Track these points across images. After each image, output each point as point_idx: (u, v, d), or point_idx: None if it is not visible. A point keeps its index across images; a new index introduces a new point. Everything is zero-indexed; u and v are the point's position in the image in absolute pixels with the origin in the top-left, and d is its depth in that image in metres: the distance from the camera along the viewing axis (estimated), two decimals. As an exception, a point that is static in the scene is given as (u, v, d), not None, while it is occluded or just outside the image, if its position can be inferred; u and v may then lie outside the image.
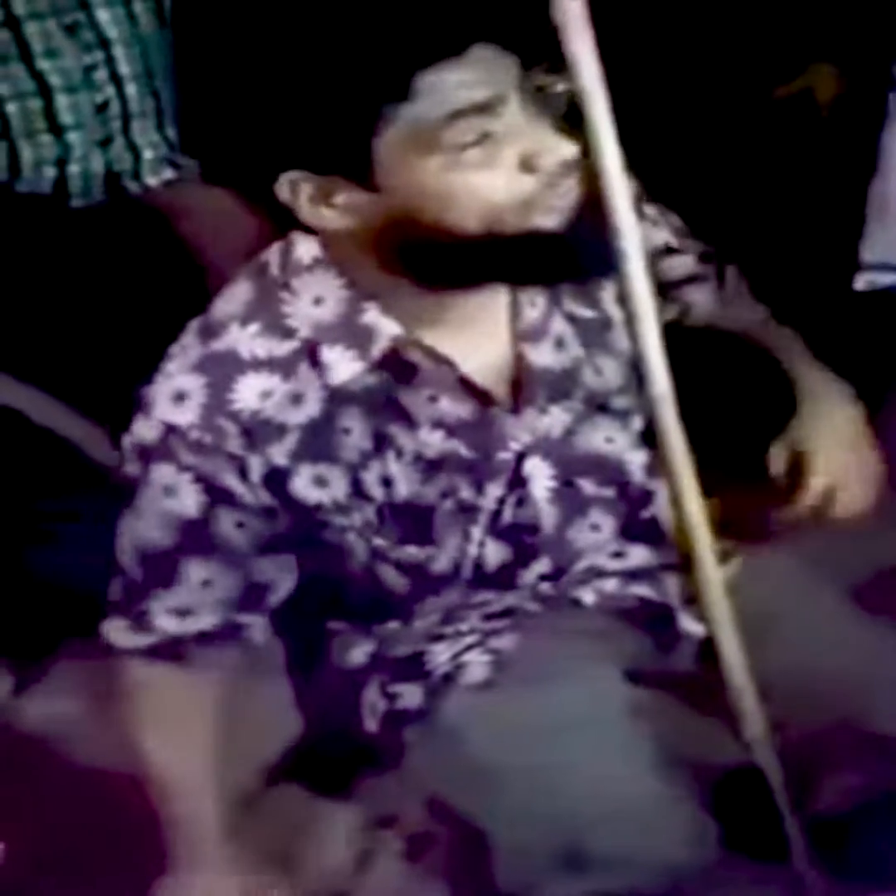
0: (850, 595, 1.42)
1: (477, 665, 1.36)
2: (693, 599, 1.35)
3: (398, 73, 1.09)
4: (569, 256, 1.17)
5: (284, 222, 1.21)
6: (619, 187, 1.15)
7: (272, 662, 1.48)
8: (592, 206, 1.15)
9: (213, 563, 1.26)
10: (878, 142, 2.19)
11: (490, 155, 1.12)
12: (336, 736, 1.44)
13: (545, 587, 1.38)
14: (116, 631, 1.32)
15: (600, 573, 1.41)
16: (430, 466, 1.26)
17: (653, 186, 1.39)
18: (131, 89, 2.15)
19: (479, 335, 1.26)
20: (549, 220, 1.15)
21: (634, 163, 1.35)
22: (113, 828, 1.63)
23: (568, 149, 1.14)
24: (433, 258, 1.16)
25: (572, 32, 1.11)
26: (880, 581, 1.44)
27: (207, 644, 1.30)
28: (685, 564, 1.32)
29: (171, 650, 1.30)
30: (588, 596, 1.40)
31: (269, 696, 1.54)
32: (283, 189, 1.16)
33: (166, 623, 1.29)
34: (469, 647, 1.37)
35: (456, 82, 1.10)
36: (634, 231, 1.17)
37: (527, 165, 1.13)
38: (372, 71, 1.10)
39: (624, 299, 1.20)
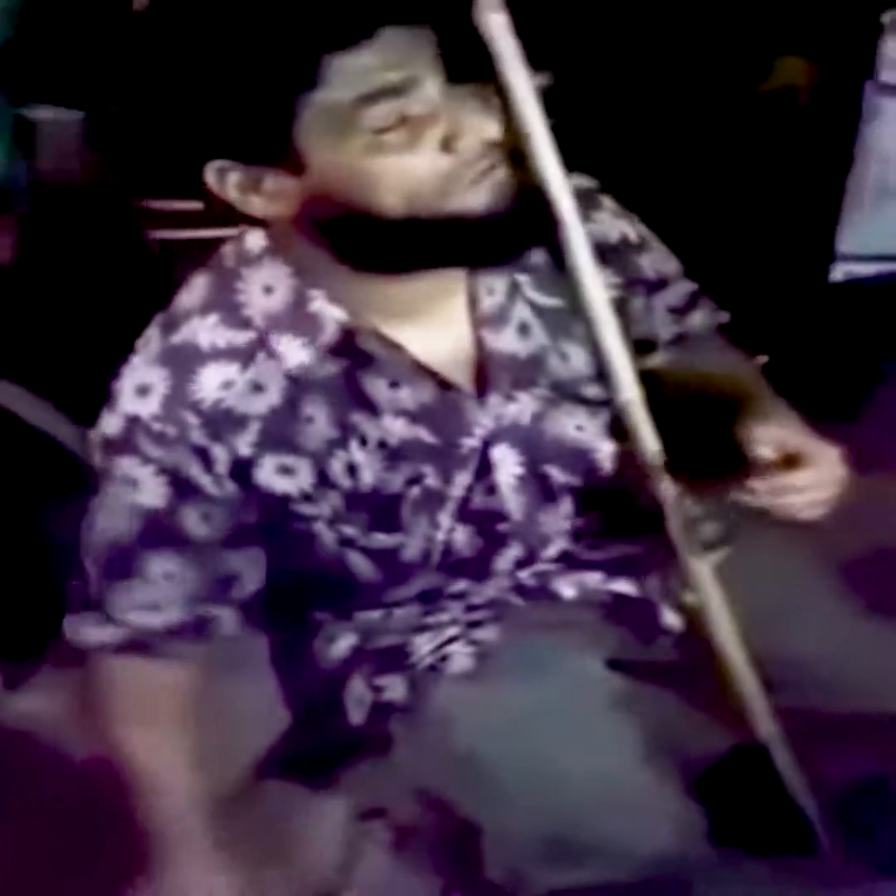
0: (844, 579, 1.43)
1: (460, 656, 1.36)
2: (682, 588, 1.38)
3: (308, 60, 1.09)
4: (502, 239, 1.18)
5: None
6: (552, 173, 1.17)
7: (256, 656, 1.48)
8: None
9: (175, 557, 1.26)
10: (854, 133, 2.20)
11: (410, 137, 1.12)
12: (322, 729, 1.45)
13: (525, 576, 1.39)
14: (80, 626, 1.32)
15: (582, 565, 1.41)
16: (395, 454, 1.27)
17: (629, 183, 1.38)
18: None
19: (434, 322, 1.26)
20: (475, 201, 1.15)
21: (608, 159, 1.36)
22: (101, 824, 1.63)
23: (490, 128, 1.14)
24: (362, 242, 1.17)
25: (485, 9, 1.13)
26: (874, 565, 1.44)
27: (175, 638, 1.30)
28: (672, 556, 1.34)
29: (141, 644, 1.30)
30: (569, 590, 1.41)
31: (254, 691, 1.54)
32: (211, 178, 1.16)
33: (131, 617, 1.29)
34: (452, 639, 1.38)
35: (368, 65, 1.09)
36: (574, 218, 1.19)
37: (447, 146, 1.13)
38: (281, 59, 1.10)
39: (580, 303, 1.22)
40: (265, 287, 1.23)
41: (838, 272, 2.30)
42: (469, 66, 1.15)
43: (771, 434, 1.24)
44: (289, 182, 1.15)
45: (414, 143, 1.12)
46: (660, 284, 1.41)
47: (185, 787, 1.35)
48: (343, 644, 1.40)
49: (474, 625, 1.38)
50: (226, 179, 1.16)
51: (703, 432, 1.29)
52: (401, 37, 1.11)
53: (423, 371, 1.25)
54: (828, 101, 2.31)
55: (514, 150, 1.16)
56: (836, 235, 2.31)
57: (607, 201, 1.36)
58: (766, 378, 1.46)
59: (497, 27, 1.15)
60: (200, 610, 1.29)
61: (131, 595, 1.28)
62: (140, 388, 1.23)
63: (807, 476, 1.23)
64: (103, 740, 1.37)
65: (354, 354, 1.23)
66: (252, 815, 1.52)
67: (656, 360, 1.39)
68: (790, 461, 1.23)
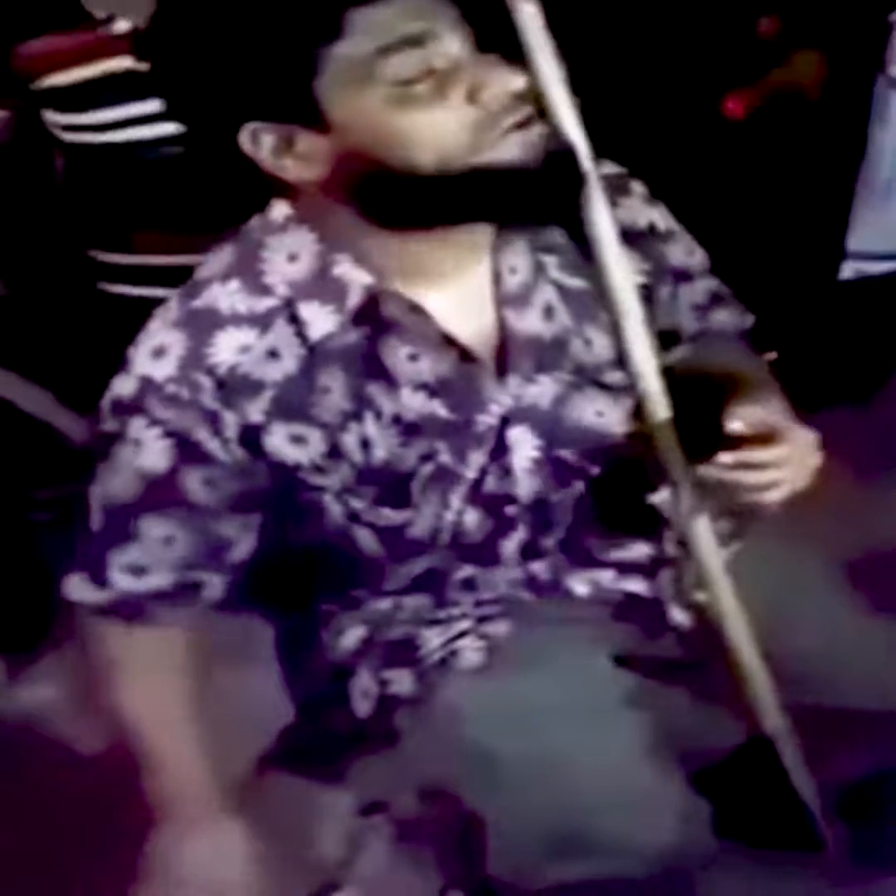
0: (846, 576, 1.43)
1: (470, 651, 1.36)
2: (696, 587, 1.38)
3: (328, 12, 1.10)
4: (532, 195, 1.18)
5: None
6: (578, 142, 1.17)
7: (260, 648, 1.48)
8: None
9: (175, 520, 1.26)
10: (865, 129, 2.19)
11: (436, 90, 1.12)
12: (326, 721, 1.44)
13: (538, 571, 1.38)
14: (74, 584, 1.32)
15: (596, 563, 1.41)
16: (410, 429, 1.26)
17: (639, 179, 1.38)
18: None
19: (459, 293, 1.25)
20: (506, 153, 1.15)
21: (616, 156, 1.36)
22: (107, 812, 1.64)
23: (516, 80, 1.14)
24: (392, 200, 1.16)
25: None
26: (874, 563, 1.44)
27: (163, 602, 1.30)
28: (684, 552, 1.34)
29: (128, 608, 1.30)
30: (582, 587, 1.41)
31: (259, 682, 1.54)
32: (244, 141, 1.16)
33: (120, 579, 1.29)
34: (462, 633, 1.37)
35: (386, 17, 1.10)
36: (599, 191, 1.18)
37: (473, 98, 1.13)
38: (302, 11, 1.10)
39: (604, 284, 1.21)
40: (290, 255, 1.23)
41: (848, 270, 2.29)
42: (492, 37, 1.16)
43: (749, 412, 1.23)
44: (319, 142, 1.15)
45: (440, 95, 1.13)
46: (685, 277, 1.41)
47: (188, 759, 1.35)
48: (352, 636, 1.40)
49: (484, 619, 1.38)
50: (260, 142, 1.16)
51: (690, 416, 1.28)
52: None
53: (446, 340, 1.25)
54: (838, 97, 2.30)
55: (543, 112, 1.17)
56: (846, 233, 2.30)
57: (638, 187, 1.36)
58: (776, 373, 1.46)
59: (527, 13, 1.16)
60: (190, 575, 1.29)
61: (124, 557, 1.28)
62: (156, 351, 1.22)
63: (775, 453, 1.23)
64: (111, 725, 1.37)
65: (377, 321, 1.23)
66: (255, 807, 1.51)
67: (678, 353, 1.38)
68: (763, 439, 1.22)
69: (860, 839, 1.44)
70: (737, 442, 1.22)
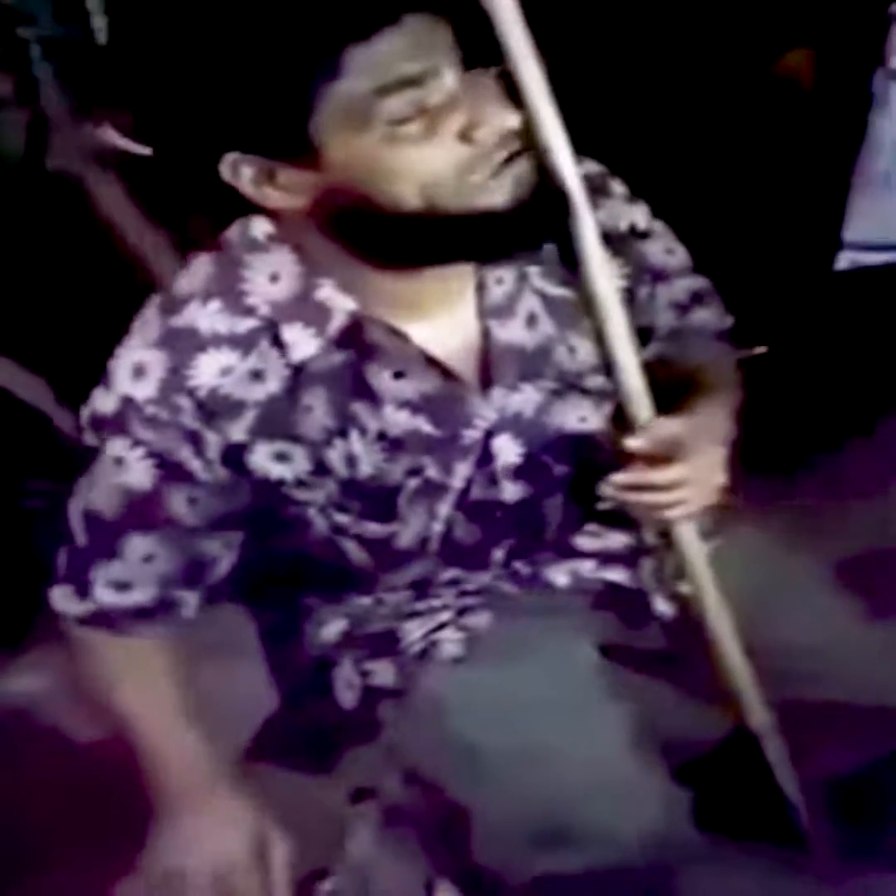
0: (836, 572, 1.43)
1: (450, 642, 1.37)
2: (676, 578, 1.38)
3: (326, 50, 1.07)
4: (520, 234, 1.16)
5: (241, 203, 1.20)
6: (562, 160, 1.14)
7: (244, 640, 1.49)
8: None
9: (157, 539, 1.27)
10: (863, 121, 2.19)
11: (428, 128, 1.10)
12: (310, 712, 1.45)
13: (519, 565, 1.39)
14: (60, 596, 1.33)
15: (576, 554, 1.41)
16: (395, 445, 1.26)
17: (633, 171, 1.37)
18: None
19: (442, 313, 1.25)
20: (496, 198, 1.13)
21: (612, 148, 1.35)
22: (99, 801, 1.64)
23: (510, 119, 1.12)
24: (378, 237, 1.15)
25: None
26: (862, 562, 1.44)
27: (139, 618, 1.31)
28: (666, 545, 1.34)
29: (106, 622, 1.31)
30: (562, 578, 1.41)
31: (244, 674, 1.54)
32: (225, 171, 1.15)
33: (104, 595, 1.30)
34: (442, 625, 1.38)
35: (386, 56, 1.08)
36: (586, 210, 1.16)
37: (465, 137, 1.11)
38: (299, 50, 1.08)
39: (583, 285, 1.20)
40: (271, 275, 1.22)
41: (844, 260, 2.28)
42: (485, 52, 1.13)
43: (656, 427, 1.22)
44: (304, 175, 1.13)
45: (432, 133, 1.10)
46: (664, 276, 1.40)
47: (184, 744, 1.35)
48: (332, 629, 1.41)
49: (465, 611, 1.39)
50: (240, 173, 1.14)
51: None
52: (419, 26, 1.09)
53: (429, 362, 1.24)
54: (836, 88, 2.30)
55: (531, 142, 1.14)
56: (843, 223, 2.30)
57: (618, 187, 1.35)
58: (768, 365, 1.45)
59: (504, 9, 1.13)
60: (169, 593, 1.30)
61: (108, 573, 1.29)
62: (136, 370, 1.22)
63: (670, 474, 1.21)
64: (102, 716, 1.38)
65: (360, 345, 1.22)
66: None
67: (647, 352, 1.37)
68: (662, 458, 1.21)
69: (845, 834, 1.44)
70: (634, 459, 1.21)
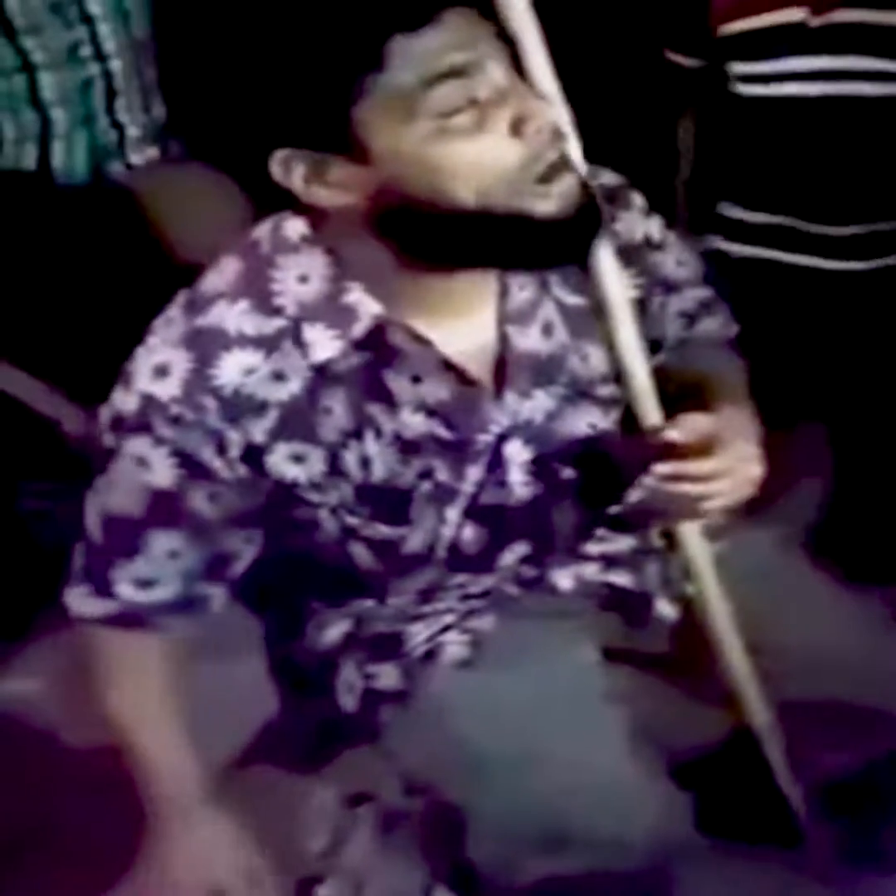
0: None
1: (455, 645, 1.37)
2: (682, 580, 1.38)
3: (369, 42, 1.08)
4: (565, 244, 1.17)
5: (273, 202, 1.20)
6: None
7: (245, 640, 1.48)
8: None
9: (180, 535, 1.26)
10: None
11: (478, 120, 1.10)
12: (311, 713, 1.45)
13: (525, 569, 1.38)
14: (77, 597, 1.32)
15: (580, 557, 1.41)
16: (408, 447, 1.26)
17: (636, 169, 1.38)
18: (116, 66, 2.14)
19: (463, 318, 1.25)
20: (546, 207, 1.13)
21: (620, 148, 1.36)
22: (93, 801, 1.64)
23: (553, 114, 1.14)
24: (426, 235, 1.15)
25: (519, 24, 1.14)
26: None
27: (167, 614, 1.30)
28: (672, 547, 1.34)
29: (132, 619, 1.30)
30: (566, 581, 1.41)
31: (246, 675, 1.54)
32: (276, 168, 1.15)
33: (127, 592, 1.29)
34: (446, 628, 1.38)
35: (430, 48, 1.08)
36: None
37: (516, 129, 1.11)
38: (342, 41, 1.08)
39: (597, 292, 1.21)
40: (300, 276, 1.21)
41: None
42: None
43: (693, 421, 1.24)
44: (354, 171, 1.12)
45: (482, 125, 1.10)
46: (675, 287, 1.41)
47: (176, 757, 1.35)
48: (335, 630, 1.40)
49: (469, 614, 1.39)
50: (291, 169, 1.14)
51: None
52: (464, 19, 1.10)
53: (447, 367, 1.24)
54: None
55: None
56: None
57: (637, 199, 1.35)
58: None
59: (517, 9, 1.16)
60: (194, 588, 1.29)
61: (131, 571, 1.28)
62: (159, 369, 1.21)
63: (710, 465, 1.23)
64: (97, 717, 1.36)
65: (382, 348, 1.22)
66: (240, 798, 1.52)
67: (657, 360, 1.38)
68: (700, 450, 1.23)
69: (844, 836, 1.44)
70: (674, 451, 1.23)
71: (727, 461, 1.24)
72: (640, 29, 2.24)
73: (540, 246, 1.16)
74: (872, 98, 1.95)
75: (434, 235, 1.14)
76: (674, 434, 1.23)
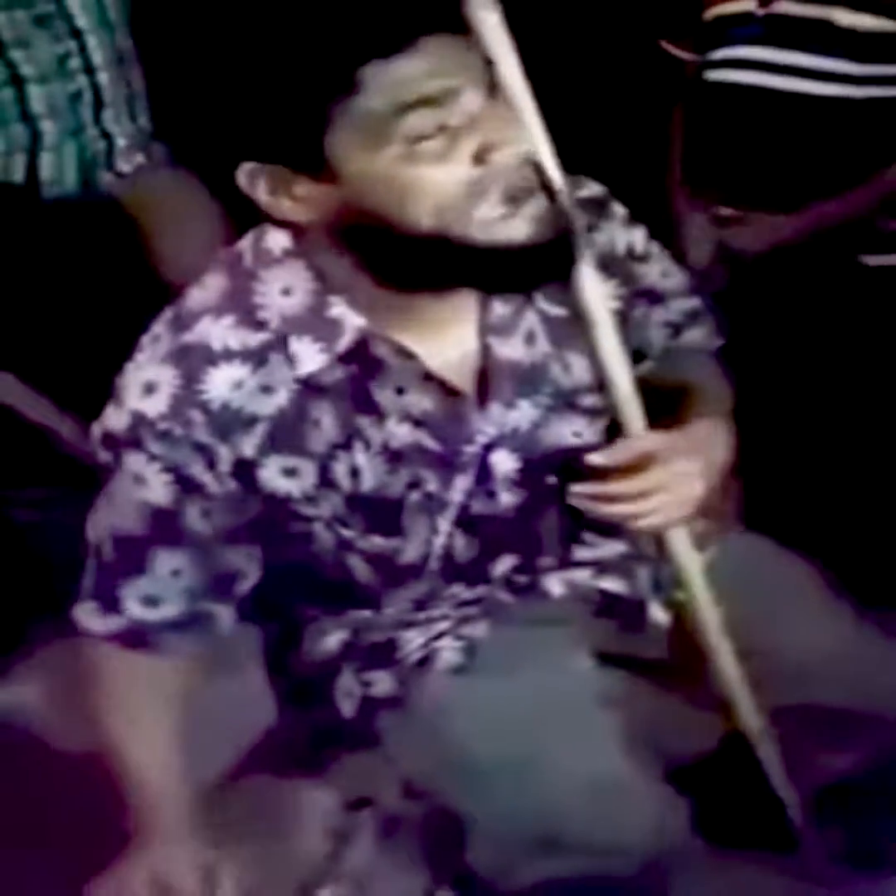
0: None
1: (448, 651, 1.37)
2: (671, 586, 1.39)
3: (344, 67, 1.08)
4: (540, 268, 1.17)
5: (254, 212, 1.21)
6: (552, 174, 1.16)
7: (247, 649, 1.49)
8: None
9: (182, 553, 1.27)
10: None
11: (446, 147, 1.11)
12: (310, 720, 1.45)
13: (517, 576, 1.39)
14: (87, 614, 1.32)
15: (571, 563, 1.42)
16: (397, 458, 1.27)
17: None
18: (103, 78, 2.15)
19: (445, 330, 1.26)
20: (515, 232, 1.14)
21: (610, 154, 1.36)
22: (85, 810, 1.64)
23: (526, 144, 1.14)
24: (389, 255, 1.16)
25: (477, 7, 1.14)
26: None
27: (174, 632, 1.30)
28: (662, 552, 1.35)
29: (138, 637, 1.31)
30: (558, 588, 1.42)
31: (244, 683, 1.55)
32: (242, 180, 1.16)
33: (135, 609, 1.29)
34: (440, 635, 1.39)
35: (405, 75, 1.08)
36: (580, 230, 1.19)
37: (480, 159, 1.12)
38: (317, 65, 1.09)
39: (578, 304, 1.22)
40: (284, 289, 1.22)
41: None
42: None
43: (631, 441, 1.25)
44: (320, 188, 1.13)
45: (448, 153, 1.11)
46: (659, 298, 1.42)
47: (169, 780, 1.35)
48: (333, 639, 1.41)
49: (463, 621, 1.39)
50: (256, 181, 1.15)
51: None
52: (442, 47, 1.10)
53: (431, 379, 1.25)
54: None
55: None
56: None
57: (618, 209, 1.35)
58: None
59: (490, 26, 1.16)
60: (199, 606, 1.30)
61: (137, 588, 1.28)
62: (147, 386, 1.21)
63: (634, 484, 1.24)
64: (90, 728, 1.37)
65: (365, 361, 1.23)
66: (240, 805, 1.52)
67: (640, 370, 1.37)
68: (632, 469, 1.24)
69: (840, 838, 1.45)
70: (603, 472, 1.24)
71: (659, 480, 1.24)
72: (633, 25, 2.27)
73: (514, 271, 1.16)
74: (816, 97, 2.00)
75: (394, 255, 1.15)
76: (596, 458, 1.25)
